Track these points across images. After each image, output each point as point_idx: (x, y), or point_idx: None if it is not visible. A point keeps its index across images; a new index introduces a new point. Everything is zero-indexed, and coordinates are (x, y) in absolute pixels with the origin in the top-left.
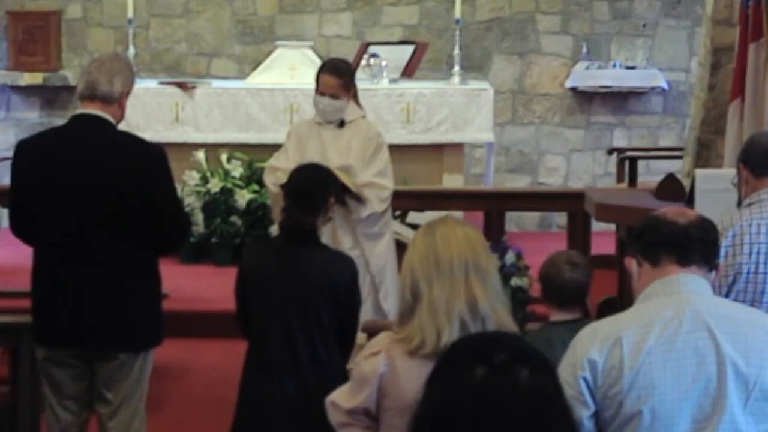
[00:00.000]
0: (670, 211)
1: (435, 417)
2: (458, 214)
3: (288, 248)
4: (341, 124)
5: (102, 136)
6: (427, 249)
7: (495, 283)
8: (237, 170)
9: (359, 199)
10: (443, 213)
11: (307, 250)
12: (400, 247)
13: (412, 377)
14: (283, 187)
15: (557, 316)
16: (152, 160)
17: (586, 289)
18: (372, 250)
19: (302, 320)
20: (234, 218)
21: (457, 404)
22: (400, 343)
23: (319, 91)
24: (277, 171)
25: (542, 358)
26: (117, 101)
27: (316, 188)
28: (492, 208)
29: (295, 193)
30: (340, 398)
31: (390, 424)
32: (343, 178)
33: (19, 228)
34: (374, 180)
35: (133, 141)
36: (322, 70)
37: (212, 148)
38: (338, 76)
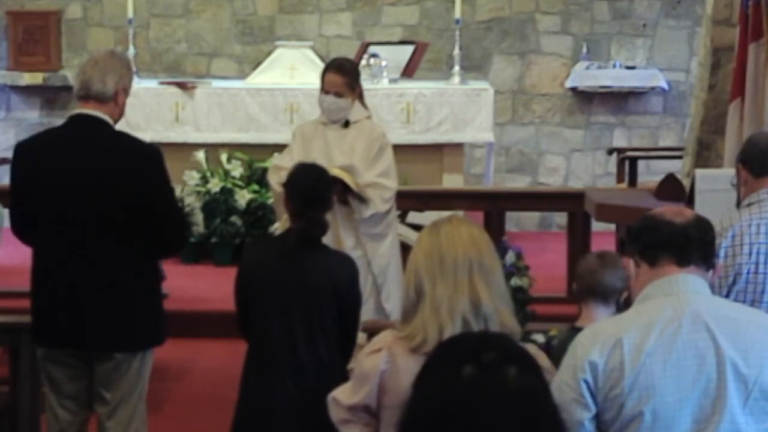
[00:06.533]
0: (668, 211)
1: (424, 416)
2: (459, 214)
3: (292, 249)
4: (346, 124)
5: (98, 136)
6: (432, 247)
7: (499, 283)
8: (237, 170)
9: (362, 199)
10: (443, 213)
11: (308, 250)
12: (402, 247)
13: (413, 375)
14: (284, 186)
15: (586, 320)
16: (148, 161)
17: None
18: (375, 250)
19: (303, 321)
20: (234, 218)
21: (446, 403)
22: (403, 340)
23: (324, 89)
24: (282, 170)
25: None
26: (112, 99)
27: (325, 188)
28: (492, 208)
29: (308, 196)
30: (342, 395)
31: (390, 421)
32: (345, 177)
33: (20, 229)
34: (377, 180)
35: (129, 141)
36: (327, 69)
37: (212, 148)
38: (342, 75)
